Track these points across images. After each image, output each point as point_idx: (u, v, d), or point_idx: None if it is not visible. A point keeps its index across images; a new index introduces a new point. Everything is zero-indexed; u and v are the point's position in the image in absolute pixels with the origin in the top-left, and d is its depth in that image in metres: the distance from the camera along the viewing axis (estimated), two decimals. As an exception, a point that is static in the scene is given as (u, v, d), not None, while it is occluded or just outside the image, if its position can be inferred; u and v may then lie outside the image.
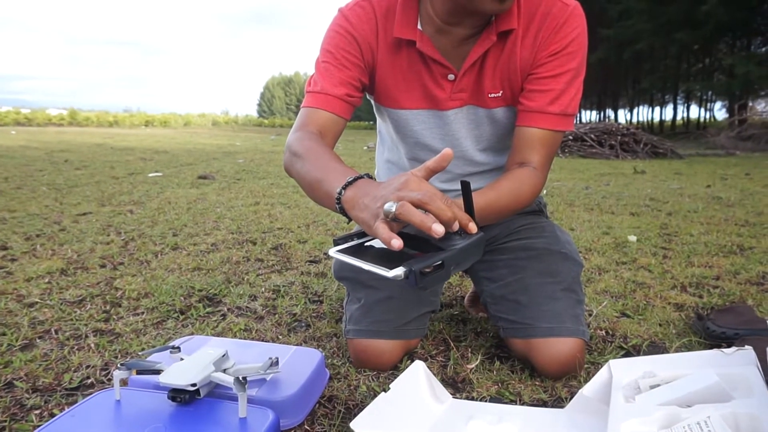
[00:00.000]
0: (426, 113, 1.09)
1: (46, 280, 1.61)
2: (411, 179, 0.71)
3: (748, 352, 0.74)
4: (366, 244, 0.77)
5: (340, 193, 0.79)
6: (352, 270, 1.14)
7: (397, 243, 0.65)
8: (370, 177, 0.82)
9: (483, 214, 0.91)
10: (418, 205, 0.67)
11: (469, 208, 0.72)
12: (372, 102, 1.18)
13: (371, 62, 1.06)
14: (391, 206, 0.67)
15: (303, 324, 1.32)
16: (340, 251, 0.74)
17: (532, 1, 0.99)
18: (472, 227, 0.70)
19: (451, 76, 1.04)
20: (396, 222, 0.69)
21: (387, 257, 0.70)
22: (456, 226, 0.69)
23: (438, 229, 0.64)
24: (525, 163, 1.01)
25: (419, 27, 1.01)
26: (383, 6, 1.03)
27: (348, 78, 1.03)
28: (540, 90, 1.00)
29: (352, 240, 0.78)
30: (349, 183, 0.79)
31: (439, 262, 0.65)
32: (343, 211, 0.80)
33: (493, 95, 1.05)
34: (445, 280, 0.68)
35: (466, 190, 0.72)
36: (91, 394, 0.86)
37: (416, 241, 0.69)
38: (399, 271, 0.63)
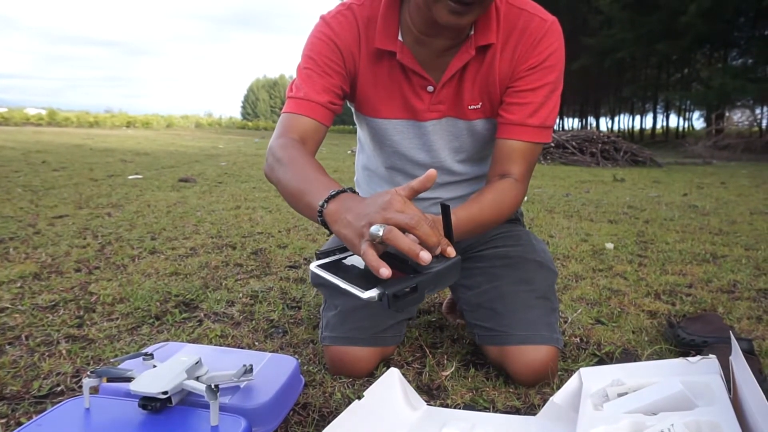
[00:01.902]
0: (405, 123, 1.10)
1: (18, 285, 1.58)
2: (395, 199, 0.70)
3: (712, 361, 0.76)
4: (347, 259, 0.77)
5: (322, 206, 0.79)
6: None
7: (385, 272, 0.64)
8: (354, 191, 0.82)
9: (467, 227, 0.92)
10: (404, 229, 0.67)
11: (448, 231, 0.72)
12: (352, 109, 1.18)
13: (353, 70, 1.06)
14: (378, 230, 0.67)
15: (280, 330, 1.31)
16: (320, 266, 0.74)
17: (511, 16, 1.01)
18: (451, 251, 0.70)
19: (430, 88, 1.05)
20: (382, 244, 0.68)
21: (365, 275, 0.70)
22: (439, 251, 0.69)
23: (425, 257, 0.64)
24: (506, 175, 1.03)
25: (400, 38, 1.02)
26: (365, 15, 1.04)
27: (330, 85, 1.03)
28: (519, 103, 1.02)
29: (335, 254, 0.78)
30: (332, 196, 0.79)
31: (414, 285, 0.66)
32: (324, 224, 0.80)
33: (472, 107, 1.07)
34: (418, 303, 0.69)
35: (445, 213, 0.72)
36: (60, 401, 0.84)
37: (393, 259, 0.69)
38: (373, 293, 0.64)
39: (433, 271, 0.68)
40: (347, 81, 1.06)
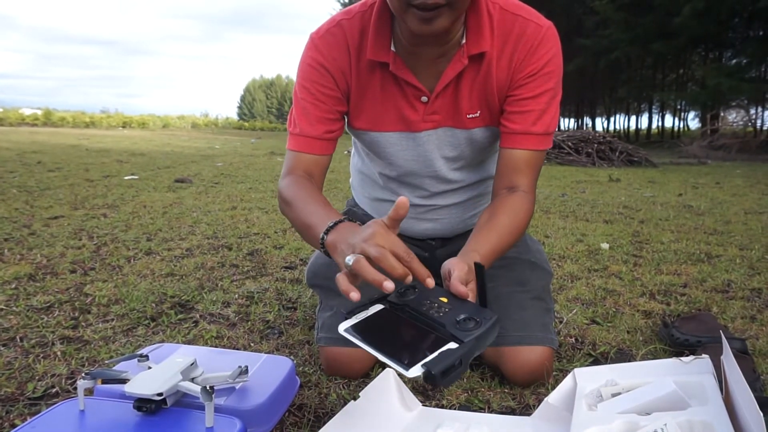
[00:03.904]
0: (399, 135, 1.10)
1: (13, 286, 1.57)
2: (378, 232, 0.75)
3: (705, 360, 0.76)
4: (373, 314, 0.76)
5: (323, 239, 0.85)
6: (325, 278, 1.15)
7: (355, 296, 0.70)
8: (351, 220, 0.87)
9: (491, 258, 0.91)
10: (373, 262, 0.71)
11: (482, 290, 0.73)
12: (346, 119, 1.18)
13: (346, 89, 1.06)
14: (349, 260, 0.72)
15: (276, 331, 1.31)
16: (350, 329, 0.73)
17: (506, 22, 1.00)
18: (430, 282, 0.73)
19: (424, 98, 1.04)
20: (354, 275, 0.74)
21: (398, 340, 0.70)
22: (410, 279, 0.72)
23: (388, 287, 0.69)
24: (514, 188, 1.02)
25: (392, 48, 1.01)
26: (356, 27, 1.03)
27: (325, 113, 1.05)
28: (521, 111, 1.02)
29: (361, 310, 0.77)
30: (331, 228, 0.85)
31: (459, 360, 0.65)
32: (328, 255, 0.85)
33: (471, 116, 1.06)
34: (463, 373, 0.69)
35: (479, 273, 0.73)
36: (55, 403, 0.84)
37: (424, 320, 0.70)
38: (418, 372, 0.63)
39: (473, 336, 0.67)
40: (343, 102, 1.07)
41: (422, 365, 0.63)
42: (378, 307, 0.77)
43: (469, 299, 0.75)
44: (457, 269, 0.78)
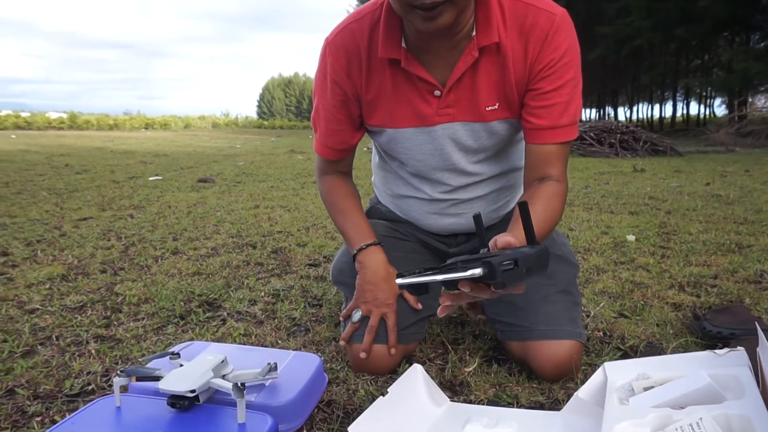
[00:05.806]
0: (413, 131, 1.09)
1: (47, 286, 1.62)
2: (388, 314, 1.08)
3: (741, 353, 0.75)
4: (430, 278, 0.77)
5: (354, 257, 1.13)
6: (350, 275, 1.15)
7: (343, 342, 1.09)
8: (378, 243, 1.13)
9: None
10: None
11: (529, 229, 0.75)
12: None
13: (357, 93, 1.08)
14: (355, 315, 1.09)
15: (302, 328, 1.32)
16: (405, 279, 0.76)
17: (518, 13, 0.98)
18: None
19: (437, 92, 1.03)
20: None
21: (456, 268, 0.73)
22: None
23: (363, 356, 1.05)
24: (545, 178, 1.03)
25: (403, 44, 1.01)
26: (365, 29, 1.03)
27: (337, 125, 1.12)
28: (546, 105, 1.01)
29: (414, 275, 0.78)
30: (361, 249, 1.12)
31: (515, 258, 0.67)
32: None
33: (490, 108, 1.05)
34: (520, 281, 0.69)
35: (524, 212, 0.74)
36: (92, 400, 0.87)
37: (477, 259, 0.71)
38: (476, 269, 0.65)
39: (534, 252, 0.71)
40: (356, 105, 1.10)
41: (481, 263, 0.65)
42: (433, 277, 0.79)
43: None
44: (501, 235, 0.79)
